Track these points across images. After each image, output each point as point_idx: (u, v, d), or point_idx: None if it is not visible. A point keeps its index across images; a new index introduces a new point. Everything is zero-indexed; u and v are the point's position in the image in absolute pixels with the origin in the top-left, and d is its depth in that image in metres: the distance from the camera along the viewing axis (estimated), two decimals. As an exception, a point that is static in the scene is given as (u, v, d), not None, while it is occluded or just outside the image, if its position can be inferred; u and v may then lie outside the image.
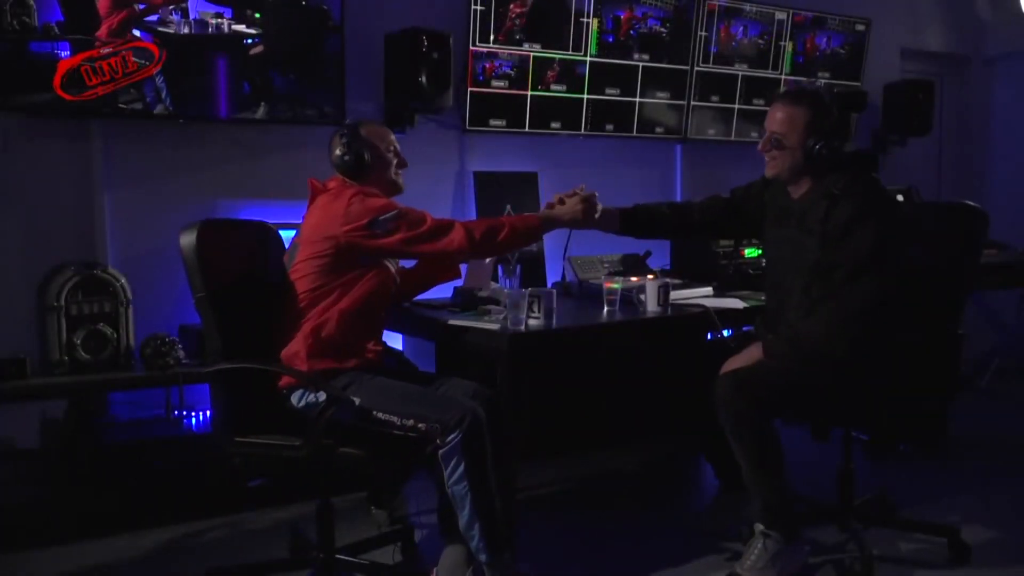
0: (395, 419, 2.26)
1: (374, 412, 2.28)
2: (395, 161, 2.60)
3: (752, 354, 2.53)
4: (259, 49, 3.24)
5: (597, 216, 2.71)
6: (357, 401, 2.27)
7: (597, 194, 2.74)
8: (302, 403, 2.34)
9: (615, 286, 2.86)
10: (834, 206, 2.46)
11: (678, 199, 4.52)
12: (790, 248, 2.58)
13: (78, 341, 2.85)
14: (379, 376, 2.39)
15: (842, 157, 2.55)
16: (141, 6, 2.99)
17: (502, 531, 2.28)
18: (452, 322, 2.74)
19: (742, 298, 3.12)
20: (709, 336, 3.14)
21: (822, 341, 2.42)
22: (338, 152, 2.52)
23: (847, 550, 2.73)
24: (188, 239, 2.30)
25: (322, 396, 2.27)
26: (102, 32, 2.93)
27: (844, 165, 2.54)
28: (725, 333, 3.19)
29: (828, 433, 2.71)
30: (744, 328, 3.04)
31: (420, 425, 2.24)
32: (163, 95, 3.07)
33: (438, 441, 2.23)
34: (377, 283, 2.47)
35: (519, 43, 3.77)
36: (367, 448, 2.25)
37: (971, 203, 2.73)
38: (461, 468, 2.21)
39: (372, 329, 2.51)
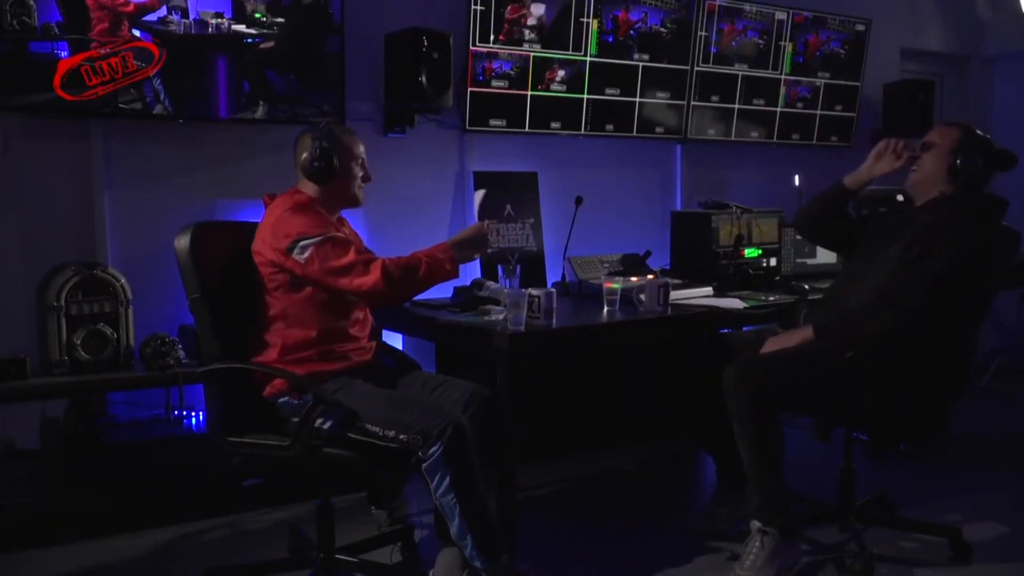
0: (378, 430, 2.22)
1: (358, 421, 2.24)
2: (361, 174, 2.52)
3: (797, 335, 2.60)
4: (270, 44, 3.24)
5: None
6: (345, 406, 2.25)
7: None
8: (289, 409, 2.32)
9: (615, 286, 2.86)
10: (938, 207, 2.59)
11: (678, 199, 4.54)
12: (885, 244, 2.64)
13: (78, 341, 2.85)
14: (367, 382, 2.36)
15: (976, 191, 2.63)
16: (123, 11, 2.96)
17: (497, 535, 2.26)
18: (452, 322, 2.74)
19: (742, 298, 3.12)
20: (726, 331, 3.15)
21: (868, 315, 2.47)
22: (306, 155, 2.42)
23: (847, 550, 2.73)
24: (182, 241, 2.32)
25: (310, 401, 2.24)
26: (94, 32, 2.92)
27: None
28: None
29: (830, 432, 2.71)
30: (745, 327, 3.04)
31: (401, 436, 2.19)
32: (161, 96, 3.07)
33: (420, 454, 2.18)
34: (331, 301, 2.38)
35: (519, 43, 3.77)
36: (354, 450, 2.24)
37: None
38: (446, 481, 2.17)
39: (349, 336, 2.45)
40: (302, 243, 2.28)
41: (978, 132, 2.65)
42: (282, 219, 2.34)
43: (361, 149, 2.53)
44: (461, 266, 2.56)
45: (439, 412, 2.25)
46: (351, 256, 2.29)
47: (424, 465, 2.18)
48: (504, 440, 2.41)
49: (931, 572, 2.63)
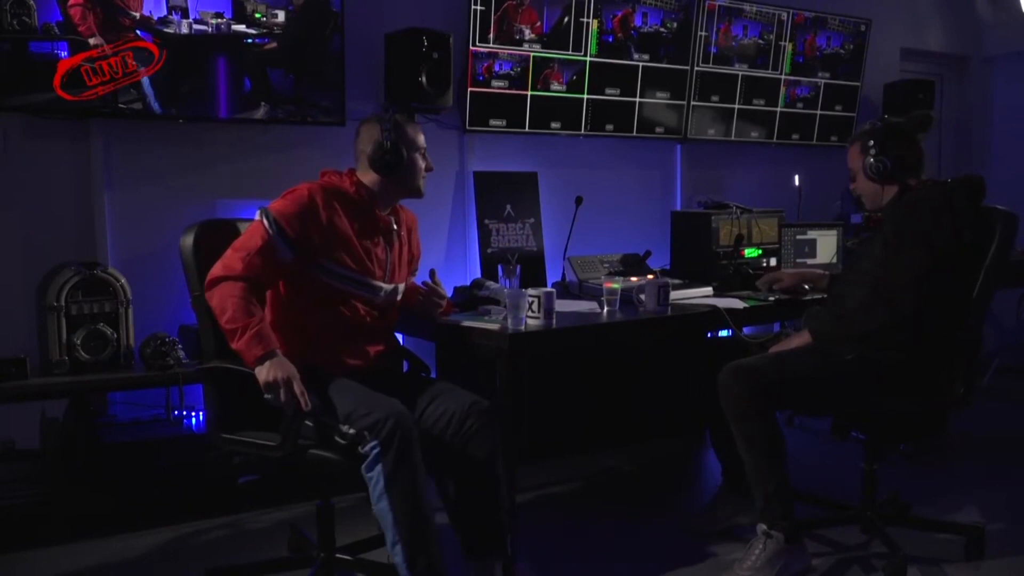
0: (346, 427, 2.10)
1: (328, 416, 2.15)
2: (424, 165, 2.53)
3: (796, 339, 2.62)
4: (270, 44, 3.24)
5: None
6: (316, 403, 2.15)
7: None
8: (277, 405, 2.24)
9: (615, 286, 2.86)
10: (901, 198, 2.62)
11: (678, 199, 4.54)
12: (872, 244, 2.68)
13: (78, 341, 2.85)
14: (350, 380, 2.27)
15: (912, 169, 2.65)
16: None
17: (436, 562, 2.09)
18: (452, 322, 2.74)
19: (742, 298, 3.12)
20: (728, 333, 3.15)
21: (861, 313, 2.50)
22: (374, 146, 2.41)
23: (871, 550, 2.73)
24: (186, 240, 2.33)
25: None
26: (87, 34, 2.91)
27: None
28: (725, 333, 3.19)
29: (848, 433, 2.72)
30: (745, 328, 3.04)
31: (351, 430, 2.07)
32: (160, 96, 3.06)
33: (361, 450, 2.04)
34: (316, 296, 2.34)
35: (519, 43, 3.77)
36: (341, 451, 2.14)
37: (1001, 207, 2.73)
38: (381, 484, 2.01)
39: (343, 338, 2.38)
40: (261, 211, 2.29)
41: (869, 128, 2.68)
42: (293, 190, 2.36)
43: (423, 140, 2.54)
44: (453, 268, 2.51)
45: (380, 404, 2.08)
46: (234, 248, 2.25)
47: (363, 465, 2.03)
48: (504, 443, 2.40)
49: (950, 570, 2.62)
